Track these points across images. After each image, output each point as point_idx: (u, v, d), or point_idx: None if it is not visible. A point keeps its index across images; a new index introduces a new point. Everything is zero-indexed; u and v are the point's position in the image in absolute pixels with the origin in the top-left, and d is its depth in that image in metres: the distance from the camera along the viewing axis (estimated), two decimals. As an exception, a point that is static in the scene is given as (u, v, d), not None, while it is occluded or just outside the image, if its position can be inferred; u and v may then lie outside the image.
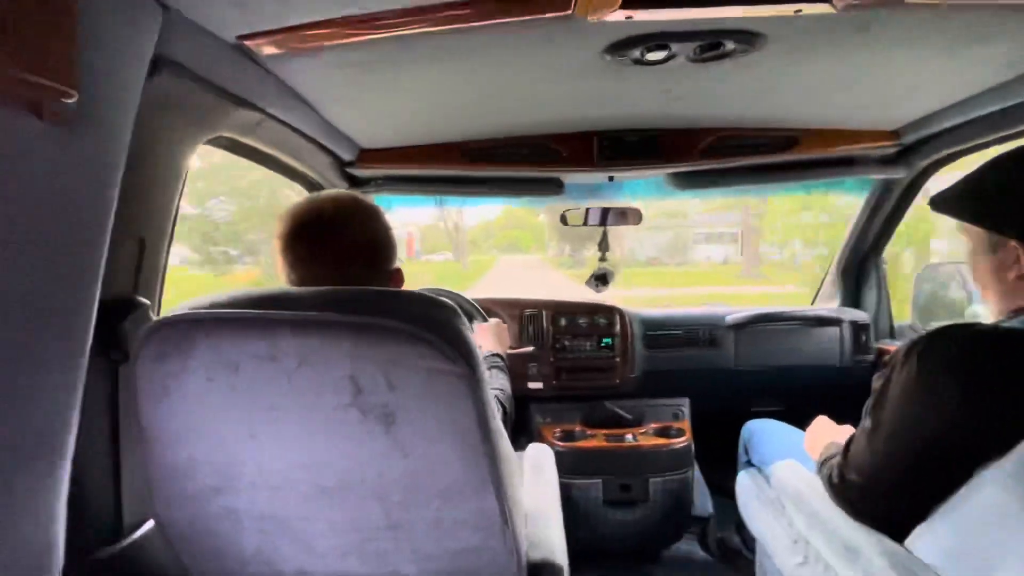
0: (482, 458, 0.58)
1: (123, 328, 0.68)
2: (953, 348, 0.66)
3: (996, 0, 0.68)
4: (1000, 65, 0.91)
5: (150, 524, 0.74)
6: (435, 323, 0.56)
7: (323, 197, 0.77)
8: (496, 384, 1.15)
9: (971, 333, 0.66)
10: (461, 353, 0.55)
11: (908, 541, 0.71)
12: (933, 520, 0.68)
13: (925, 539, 0.69)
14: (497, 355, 1.26)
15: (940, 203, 0.78)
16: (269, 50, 0.74)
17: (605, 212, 1.69)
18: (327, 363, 0.54)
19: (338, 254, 0.72)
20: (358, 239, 0.74)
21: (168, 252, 0.81)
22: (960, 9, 0.72)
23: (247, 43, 0.71)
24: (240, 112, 0.82)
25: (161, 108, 0.67)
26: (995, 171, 0.73)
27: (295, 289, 0.65)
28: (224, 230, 6.66)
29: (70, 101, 0.45)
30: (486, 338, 1.36)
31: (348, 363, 0.54)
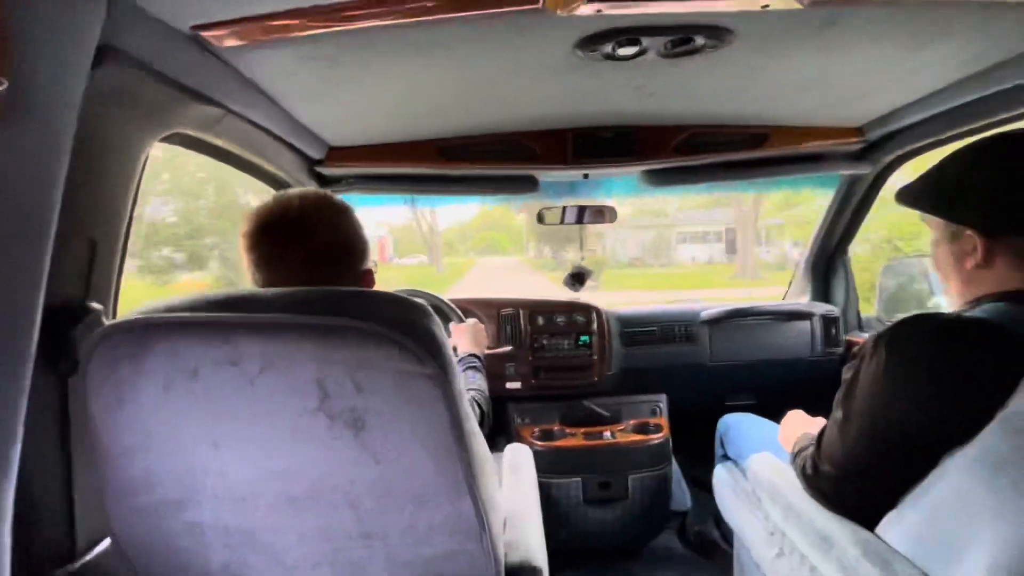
0: (456, 461, 0.56)
1: (73, 335, 0.64)
2: (918, 338, 0.67)
3: None
4: (958, 62, 0.94)
5: (107, 543, 0.70)
6: (404, 324, 0.54)
7: (290, 195, 0.74)
8: (473, 385, 1.14)
9: (935, 323, 0.68)
10: (431, 354, 0.53)
11: (880, 529, 0.72)
12: (903, 507, 0.69)
13: (896, 526, 0.70)
14: (474, 355, 1.25)
15: (904, 196, 0.80)
16: (228, 41, 0.71)
17: (582, 210, 1.70)
18: (291, 367, 0.52)
19: (306, 254, 0.70)
20: (327, 238, 0.72)
21: (124, 254, 0.77)
22: (921, 6, 0.73)
23: (203, 33, 0.68)
24: (198, 107, 0.79)
25: (110, 101, 0.64)
26: (953, 164, 0.75)
27: (257, 291, 0.62)
28: (165, 233, 6.19)
29: (1, 89, 0.42)
30: (463, 339, 1.35)
31: (314, 366, 0.52)
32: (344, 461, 0.55)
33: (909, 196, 0.79)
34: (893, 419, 0.69)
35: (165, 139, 0.81)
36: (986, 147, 0.72)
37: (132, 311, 0.58)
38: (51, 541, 0.66)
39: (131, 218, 0.76)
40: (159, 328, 0.54)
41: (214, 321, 0.54)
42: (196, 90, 0.76)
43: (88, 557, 0.69)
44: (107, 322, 0.70)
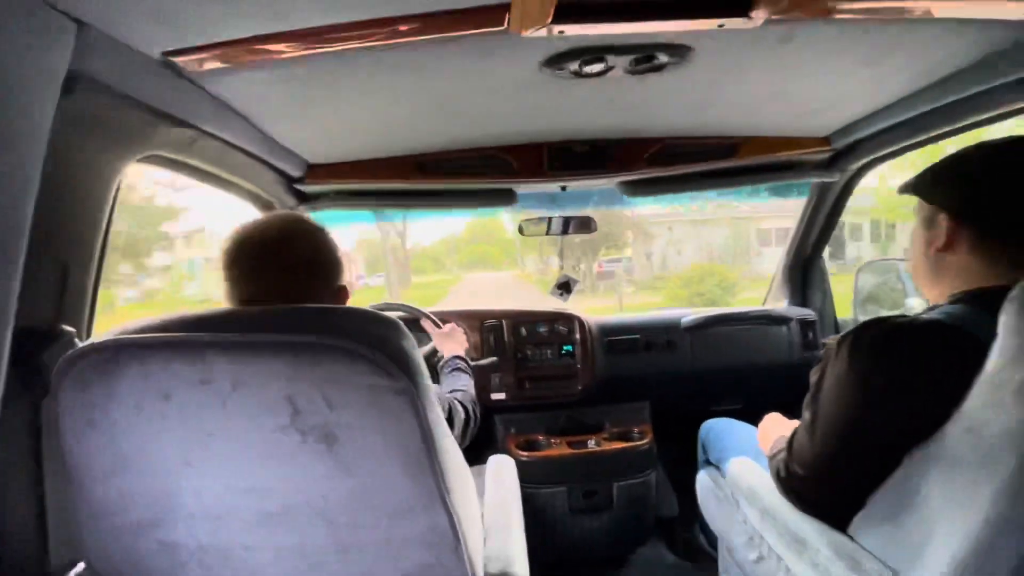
0: (429, 474, 0.57)
1: (44, 359, 0.64)
2: (878, 339, 0.70)
3: (901, 16, 0.74)
4: (914, 74, 0.98)
5: (80, 567, 0.70)
6: (374, 339, 0.55)
7: (268, 217, 0.77)
8: (458, 385, 1.15)
9: (894, 325, 0.70)
10: (402, 368, 0.54)
11: (851, 528, 0.74)
12: (870, 507, 0.71)
13: (865, 526, 0.72)
14: (459, 357, 1.27)
15: (903, 187, 0.83)
16: (199, 66, 0.72)
17: (567, 221, 1.71)
18: (263, 385, 0.53)
19: (283, 270, 0.72)
20: (304, 255, 0.74)
21: (98, 278, 0.77)
22: (871, 23, 0.77)
23: (174, 59, 0.69)
24: (171, 130, 0.80)
25: (80, 126, 0.65)
26: (946, 158, 0.77)
27: (230, 309, 0.63)
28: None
29: None
30: (446, 343, 1.37)
31: (284, 384, 0.53)
32: (317, 476, 0.55)
33: (906, 186, 0.82)
34: (856, 420, 0.71)
35: (140, 160, 0.81)
36: (981, 143, 0.75)
37: (106, 332, 0.58)
38: (24, 565, 0.66)
39: (106, 240, 0.76)
40: (130, 349, 0.54)
41: (185, 341, 0.55)
42: (169, 113, 0.77)
43: None
44: (79, 344, 0.70)
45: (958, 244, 0.73)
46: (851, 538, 0.73)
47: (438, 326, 1.51)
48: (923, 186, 0.78)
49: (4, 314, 0.52)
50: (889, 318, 0.72)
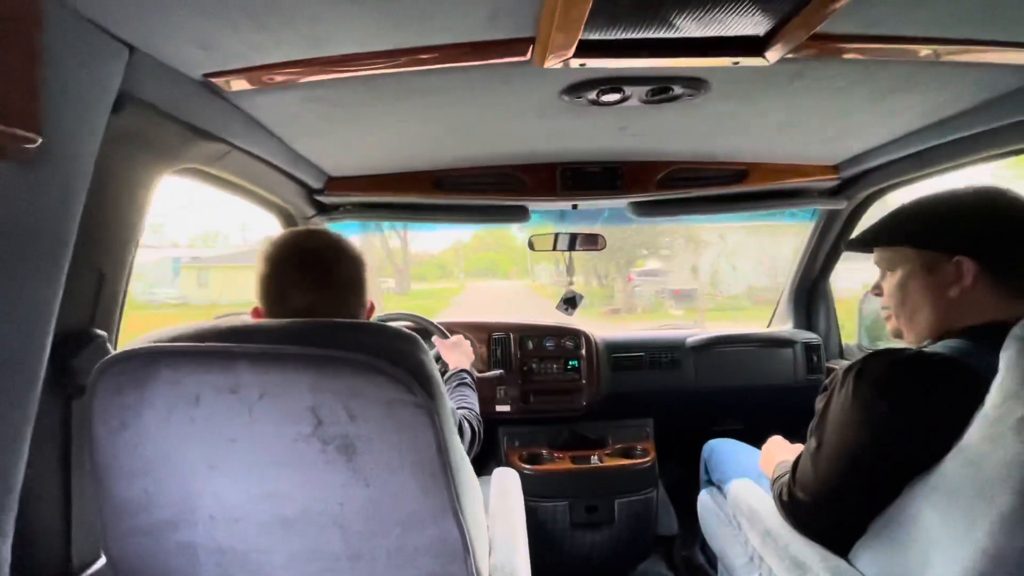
0: (442, 486, 0.59)
1: (78, 361, 0.67)
2: (883, 371, 0.71)
3: (910, 57, 0.76)
4: (919, 112, 1.01)
5: (101, 561, 0.72)
6: (396, 354, 0.57)
7: (316, 232, 0.82)
8: (464, 403, 1.16)
9: (900, 357, 0.72)
10: (421, 384, 0.57)
11: (852, 555, 0.75)
12: (871, 534, 0.72)
13: (865, 553, 0.73)
14: (465, 371, 1.28)
15: (859, 242, 0.86)
16: (236, 86, 0.75)
17: (574, 237, 1.73)
18: (288, 395, 0.55)
19: (331, 287, 0.77)
20: (348, 275, 0.80)
21: (128, 284, 0.80)
22: (881, 64, 0.79)
23: (213, 80, 0.73)
24: (205, 144, 0.83)
25: (124, 142, 0.68)
26: (928, 203, 0.81)
27: (260, 322, 0.66)
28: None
29: (34, 146, 0.46)
30: (452, 354, 1.38)
31: (309, 395, 0.55)
32: (335, 484, 0.58)
33: (866, 240, 0.85)
34: (860, 448, 0.72)
35: (174, 172, 0.85)
36: (960, 191, 0.79)
37: (140, 338, 0.61)
38: (47, 560, 0.68)
39: (136, 249, 0.79)
40: (164, 356, 0.57)
41: (216, 350, 0.57)
42: (205, 129, 0.81)
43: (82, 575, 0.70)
44: (111, 348, 0.73)
45: (980, 284, 0.74)
46: (851, 563, 0.74)
47: (445, 336, 1.53)
48: (922, 235, 0.80)
49: (47, 318, 0.55)
50: (895, 350, 0.74)
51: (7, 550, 0.52)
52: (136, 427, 0.57)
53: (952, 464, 0.62)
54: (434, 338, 1.54)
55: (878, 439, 0.70)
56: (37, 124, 0.45)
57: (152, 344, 0.58)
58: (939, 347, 0.74)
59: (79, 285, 0.68)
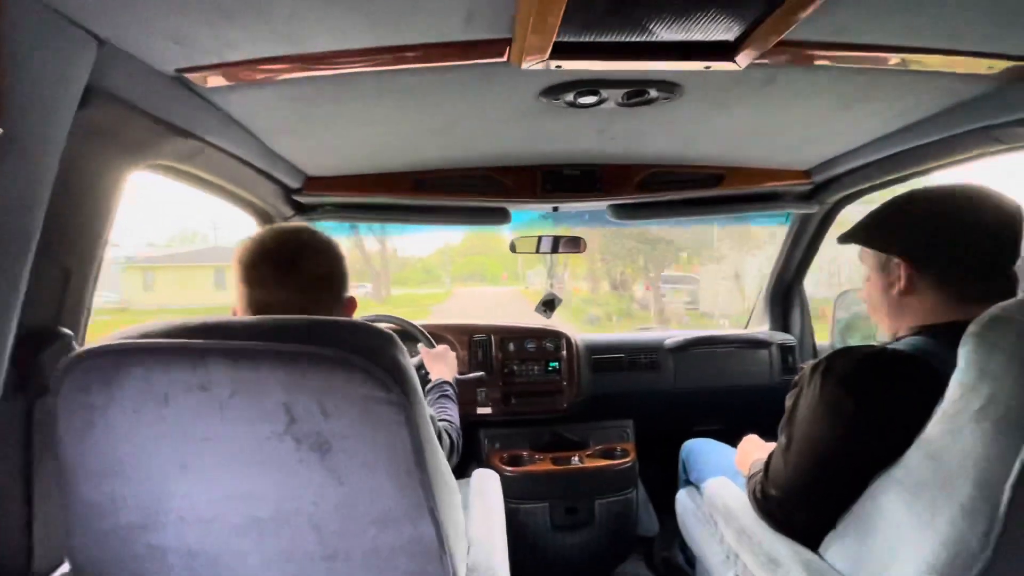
0: (418, 485, 0.58)
1: (41, 360, 0.65)
2: (848, 367, 0.73)
3: (877, 65, 0.79)
4: (887, 118, 1.04)
5: (64, 568, 0.70)
6: (370, 351, 0.57)
7: (284, 227, 0.81)
8: (444, 415, 1.15)
9: (863, 354, 0.74)
10: (396, 381, 0.56)
11: (822, 549, 0.77)
12: (840, 528, 0.74)
13: (835, 547, 0.74)
14: (447, 383, 1.27)
15: (845, 237, 0.89)
16: (210, 82, 0.74)
17: (556, 240, 1.74)
18: (260, 392, 0.54)
19: (301, 284, 0.76)
20: (320, 270, 0.78)
21: (95, 282, 0.78)
22: (849, 71, 0.82)
23: (186, 75, 0.72)
24: (177, 141, 0.82)
25: (92, 136, 0.67)
26: (889, 206, 0.84)
27: (231, 318, 0.65)
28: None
29: None
30: (436, 365, 1.36)
31: (281, 392, 0.54)
32: (309, 483, 0.57)
33: (849, 235, 0.88)
34: (827, 444, 0.74)
35: (145, 168, 0.83)
36: (916, 194, 0.82)
37: (107, 336, 0.60)
38: (8, 566, 0.66)
39: (105, 246, 0.77)
40: (131, 353, 0.55)
41: (186, 347, 0.56)
42: (177, 125, 0.79)
43: None
44: (76, 347, 0.71)
45: (917, 286, 0.78)
46: (822, 557, 0.76)
47: (431, 345, 1.51)
48: (873, 236, 0.84)
49: (8, 315, 0.53)
50: (858, 348, 0.76)
51: None
52: (103, 426, 0.56)
53: (914, 457, 0.64)
54: (420, 346, 1.52)
55: (845, 434, 0.72)
56: (1, 113, 0.44)
57: (120, 341, 0.57)
58: (901, 344, 0.76)
59: (44, 283, 0.66)
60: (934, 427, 0.63)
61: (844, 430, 0.72)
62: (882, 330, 0.87)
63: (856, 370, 0.73)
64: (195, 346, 0.56)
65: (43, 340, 0.66)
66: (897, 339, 0.79)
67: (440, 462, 0.64)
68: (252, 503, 0.58)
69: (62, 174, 0.57)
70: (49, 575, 0.69)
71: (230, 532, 0.59)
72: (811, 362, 0.79)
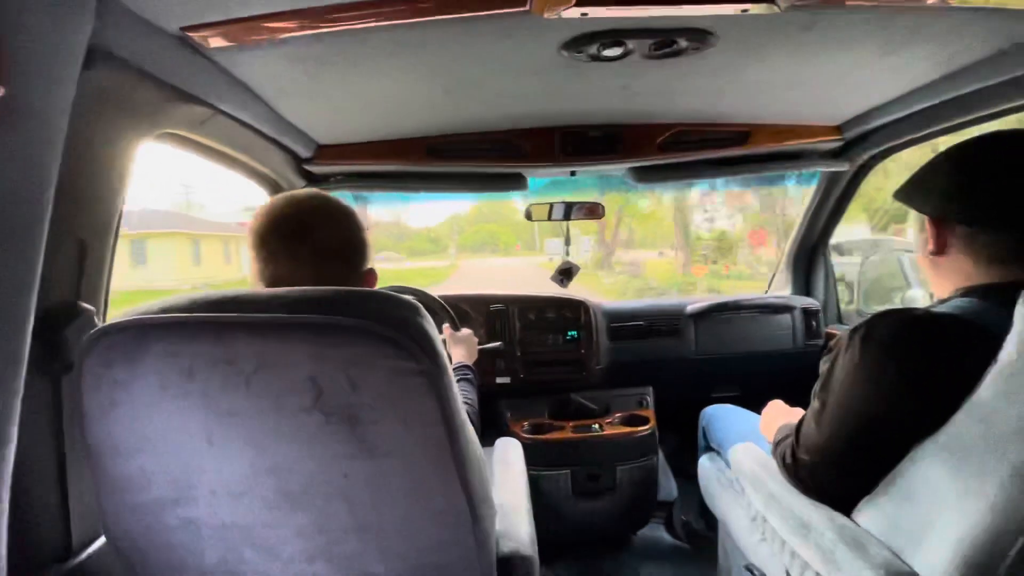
0: (448, 454, 0.58)
1: (65, 336, 0.64)
2: (890, 332, 0.70)
3: (924, 4, 0.73)
4: (930, 65, 0.98)
5: (101, 540, 0.71)
6: (396, 320, 0.55)
7: (297, 195, 0.76)
8: (466, 398, 1.15)
9: (906, 318, 0.71)
10: (424, 350, 0.55)
11: (855, 514, 0.75)
12: (877, 493, 0.72)
13: (870, 511, 0.73)
14: (468, 367, 1.26)
15: (896, 193, 0.85)
16: (216, 42, 0.71)
17: (569, 207, 1.70)
18: (286, 365, 0.53)
19: (314, 251, 0.72)
20: (335, 239, 0.74)
21: (113, 255, 0.77)
22: (894, 11, 0.76)
23: (192, 34, 0.68)
24: (186, 107, 0.79)
25: (99, 102, 0.64)
26: (928, 163, 0.79)
27: (254, 291, 0.63)
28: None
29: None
30: (458, 349, 1.35)
31: (308, 364, 0.53)
32: (339, 456, 0.56)
33: (899, 192, 0.84)
34: (867, 409, 0.72)
35: (156, 138, 0.81)
36: (953, 147, 0.77)
37: (129, 310, 0.58)
38: (46, 540, 0.67)
39: (120, 218, 0.76)
40: (155, 329, 0.54)
41: (210, 321, 0.55)
42: (185, 90, 0.76)
43: (83, 555, 0.69)
44: (98, 322, 0.70)
45: (948, 246, 0.75)
46: (855, 522, 0.75)
47: (456, 328, 1.49)
48: (909, 193, 0.81)
49: (27, 291, 0.52)
50: (902, 310, 0.73)
51: (3, 531, 0.50)
52: (128, 403, 0.55)
53: (963, 422, 0.62)
54: (444, 326, 1.49)
55: (886, 400, 0.70)
56: (1, 73, 0.41)
57: (141, 316, 0.56)
58: (947, 307, 0.73)
59: (61, 257, 0.65)
60: (986, 389, 0.60)
61: (886, 396, 0.69)
62: (929, 286, 0.84)
63: (898, 335, 0.70)
64: (218, 319, 0.54)
65: (65, 316, 0.66)
66: (942, 302, 0.76)
67: (469, 431, 0.63)
68: (282, 477, 0.57)
69: (72, 143, 0.55)
70: (87, 548, 0.70)
71: (261, 505, 0.59)
72: (846, 327, 0.76)
